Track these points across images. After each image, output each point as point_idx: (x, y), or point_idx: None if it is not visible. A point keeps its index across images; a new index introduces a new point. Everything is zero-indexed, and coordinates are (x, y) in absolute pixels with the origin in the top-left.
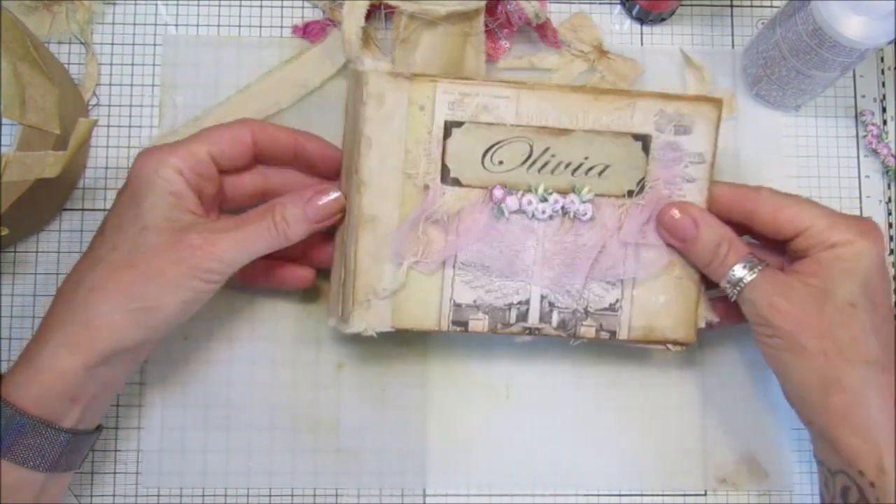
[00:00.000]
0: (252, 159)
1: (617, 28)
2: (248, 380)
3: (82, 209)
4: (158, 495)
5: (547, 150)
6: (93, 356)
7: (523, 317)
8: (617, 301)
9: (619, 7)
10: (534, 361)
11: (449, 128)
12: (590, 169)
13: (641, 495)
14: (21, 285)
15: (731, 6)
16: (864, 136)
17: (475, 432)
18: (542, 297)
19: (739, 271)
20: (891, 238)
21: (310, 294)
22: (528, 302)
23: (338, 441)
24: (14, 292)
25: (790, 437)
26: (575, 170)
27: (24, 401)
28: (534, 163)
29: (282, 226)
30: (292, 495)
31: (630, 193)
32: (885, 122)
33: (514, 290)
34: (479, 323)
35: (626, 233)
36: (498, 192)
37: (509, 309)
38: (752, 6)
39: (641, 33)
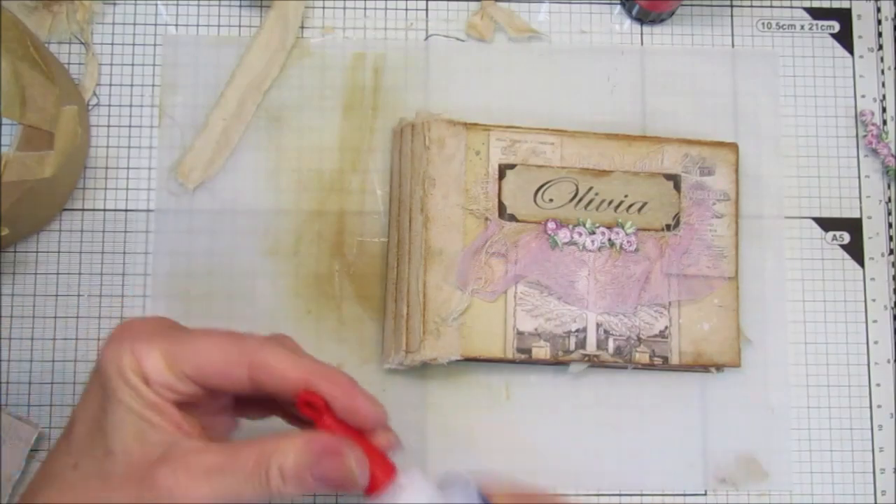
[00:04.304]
0: (250, 389)
1: (617, 28)
2: None
3: (82, 209)
4: None
5: (591, 189)
6: None
7: (581, 344)
8: (666, 328)
9: (619, 7)
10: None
11: (503, 170)
12: (630, 206)
13: (641, 495)
14: (21, 285)
15: (731, 6)
16: (864, 136)
17: (475, 432)
18: (598, 325)
19: None
20: (891, 238)
21: (310, 294)
22: (585, 329)
23: None
24: (14, 292)
25: (790, 437)
26: (617, 206)
27: None
28: (580, 200)
29: (276, 483)
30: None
31: (668, 227)
32: (885, 122)
33: (572, 318)
34: (541, 350)
35: (668, 263)
36: (551, 225)
37: (568, 336)
38: (752, 6)
39: (641, 33)
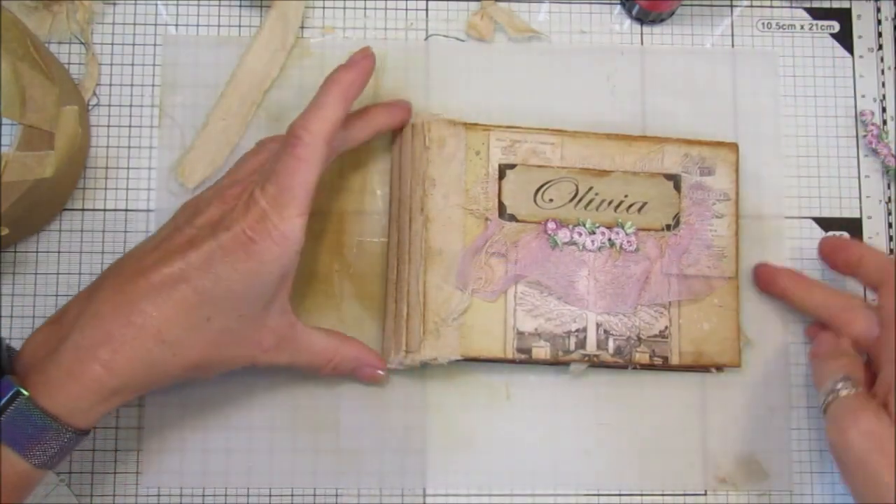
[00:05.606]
0: None
1: (617, 28)
2: (249, 380)
3: (82, 209)
4: (158, 495)
5: (591, 188)
6: (128, 389)
7: (581, 344)
8: (666, 328)
9: (618, 7)
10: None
11: (503, 170)
12: (630, 206)
13: (641, 495)
14: (21, 285)
15: (731, 6)
16: (864, 136)
17: (475, 432)
18: (598, 325)
19: (836, 384)
20: (890, 238)
21: (310, 294)
22: (585, 330)
23: (338, 441)
24: (14, 292)
25: (790, 437)
26: (617, 206)
27: (53, 402)
28: (580, 200)
29: (326, 371)
30: (292, 495)
31: (668, 227)
32: (885, 122)
33: (572, 318)
34: (541, 350)
35: (667, 263)
36: (551, 225)
37: (568, 336)
38: (751, 6)
39: (641, 33)
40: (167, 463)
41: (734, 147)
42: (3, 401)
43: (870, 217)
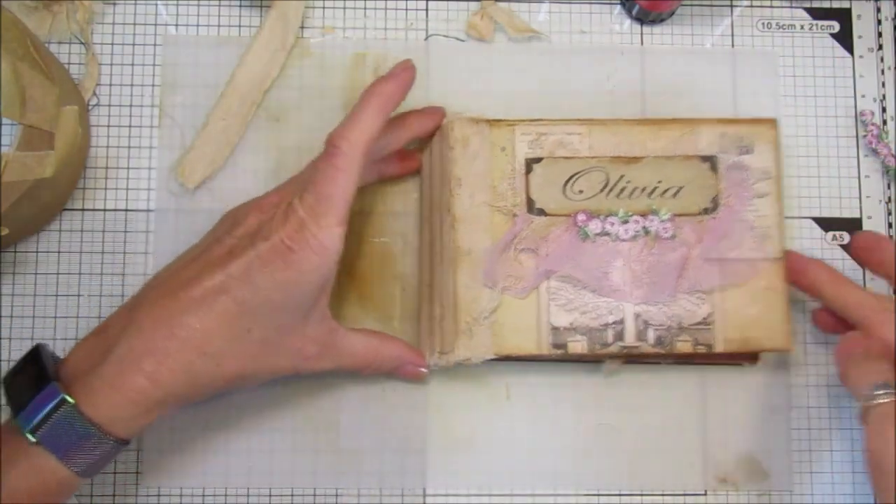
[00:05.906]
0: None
1: (617, 28)
2: None
3: (82, 209)
4: (158, 495)
5: (622, 177)
6: (171, 400)
7: (620, 336)
8: (709, 315)
9: (618, 7)
10: (534, 361)
11: (529, 164)
12: (665, 191)
13: (641, 495)
14: (21, 285)
15: (731, 6)
16: (864, 136)
17: (475, 432)
18: (637, 316)
19: (874, 391)
20: (891, 238)
21: None
22: (622, 321)
23: (338, 441)
24: (14, 292)
25: (790, 437)
26: (650, 193)
27: (96, 411)
28: (611, 189)
29: (369, 372)
30: (292, 495)
31: (706, 211)
32: (885, 122)
33: (609, 311)
34: (577, 345)
35: (707, 248)
36: (581, 216)
37: (606, 329)
38: (751, 6)
39: (641, 33)
40: (167, 463)
41: (773, 123)
42: (49, 407)
43: (870, 217)
